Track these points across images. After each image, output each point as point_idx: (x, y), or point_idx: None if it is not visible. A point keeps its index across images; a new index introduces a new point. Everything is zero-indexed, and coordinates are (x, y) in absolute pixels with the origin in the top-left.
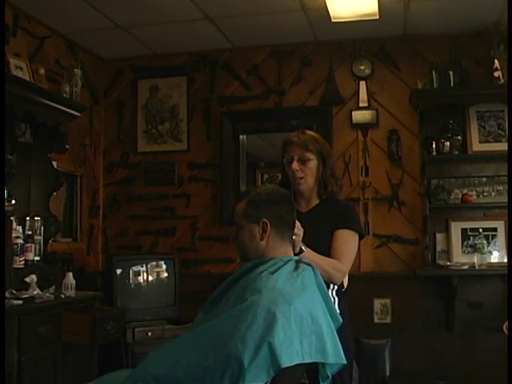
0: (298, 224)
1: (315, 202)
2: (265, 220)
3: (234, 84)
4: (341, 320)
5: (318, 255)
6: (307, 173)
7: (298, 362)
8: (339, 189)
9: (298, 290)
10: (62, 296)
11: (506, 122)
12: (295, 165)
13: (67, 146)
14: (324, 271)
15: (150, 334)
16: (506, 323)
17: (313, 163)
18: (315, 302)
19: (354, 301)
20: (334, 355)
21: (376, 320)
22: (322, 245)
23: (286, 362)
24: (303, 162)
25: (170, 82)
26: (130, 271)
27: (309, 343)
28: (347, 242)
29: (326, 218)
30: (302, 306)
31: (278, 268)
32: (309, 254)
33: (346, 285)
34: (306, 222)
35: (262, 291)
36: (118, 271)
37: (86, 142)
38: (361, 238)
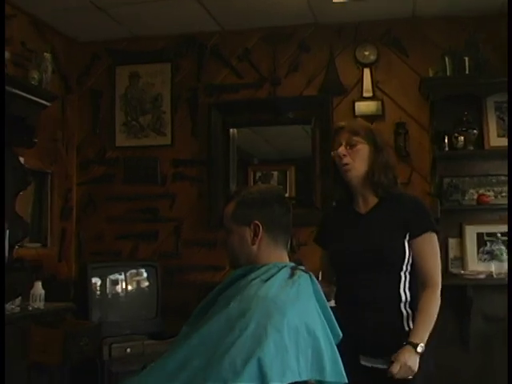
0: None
1: (374, 201)
2: (256, 222)
3: (223, 71)
4: (341, 334)
5: (421, 326)
6: (355, 157)
7: (292, 381)
8: (388, 181)
9: (293, 299)
10: (30, 308)
11: None
12: (341, 149)
13: (36, 140)
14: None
15: (128, 350)
16: None
17: (362, 146)
18: (312, 312)
19: None
20: (333, 373)
21: None
22: (394, 247)
23: (276, 379)
24: (351, 146)
25: (152, 69)
26: (107, 280)
27: (305, 359)
28: (430, 250)
29: (393, 219)
30: (296, 316)
31: (272, 275)
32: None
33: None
34: (369, 224)
35: (252, 301)
36: (94, 280)
37: (57, 135)
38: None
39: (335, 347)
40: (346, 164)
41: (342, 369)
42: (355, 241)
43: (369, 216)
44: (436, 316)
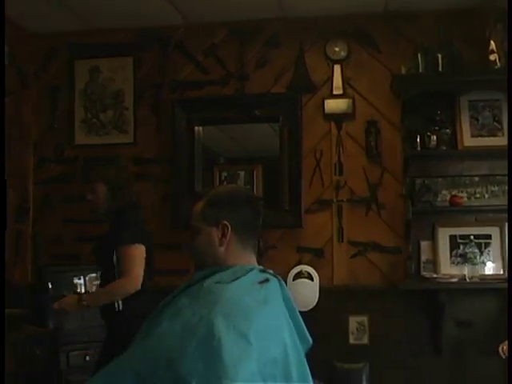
0: None
1: None
2: (225, 222)
3: (188, 67)
4: (311, 341)
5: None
6: None
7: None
8: None
9: (260, 304)
10: None
11: (503, 113)
12: None
13: None
14: None
15: (87, 358)
16: (503, 345)
17: None
18: (280, 318)
19: (326, 318)
20: (300, 378)
21: (351, 341)
22: None
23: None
24: None
25: (114, 64)
26: (65, 284)
27: (272, 364)
28: None
29: None
30: (262, 321)
31: (237, 278)
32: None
33: None
34: None
35: (216, 304)
36: (51, 285)
37: (12, 132)
38: None
39: (303, 356)
40: None
41: (310, 378)
42: None
43: None
44: None
